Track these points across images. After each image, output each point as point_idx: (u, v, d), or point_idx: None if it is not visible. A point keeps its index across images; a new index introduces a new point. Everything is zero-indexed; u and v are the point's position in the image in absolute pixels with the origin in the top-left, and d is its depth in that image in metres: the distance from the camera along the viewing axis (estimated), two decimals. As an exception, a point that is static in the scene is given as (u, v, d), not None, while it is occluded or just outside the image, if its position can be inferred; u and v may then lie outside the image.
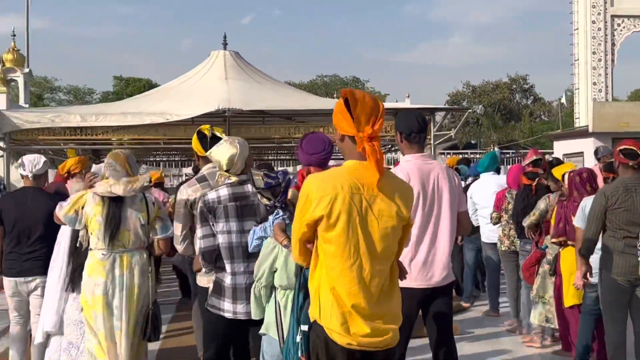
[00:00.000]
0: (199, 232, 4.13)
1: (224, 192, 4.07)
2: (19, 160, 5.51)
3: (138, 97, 14.01)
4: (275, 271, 3.64)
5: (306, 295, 3.07)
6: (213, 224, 4.04)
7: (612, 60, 24.15)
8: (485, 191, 8.20)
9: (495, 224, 7.74)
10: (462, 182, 6.58)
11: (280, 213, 3.67)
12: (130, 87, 52.66)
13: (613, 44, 23.96)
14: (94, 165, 5.91)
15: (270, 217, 3.71)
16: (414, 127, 4.22)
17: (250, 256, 3.93)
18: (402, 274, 3.05)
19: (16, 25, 28.79)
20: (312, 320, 2.84)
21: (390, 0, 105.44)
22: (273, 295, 3.70)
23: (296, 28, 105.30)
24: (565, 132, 23.07)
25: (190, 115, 10.37)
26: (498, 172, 8.60)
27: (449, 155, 24.98)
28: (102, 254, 4.58)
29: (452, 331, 4.44)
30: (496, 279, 8.36)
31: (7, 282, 5.40)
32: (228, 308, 4.06)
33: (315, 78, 60.70)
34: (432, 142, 10.59)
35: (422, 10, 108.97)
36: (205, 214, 4.05)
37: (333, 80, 58.96)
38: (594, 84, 24.00)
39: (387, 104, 11.76)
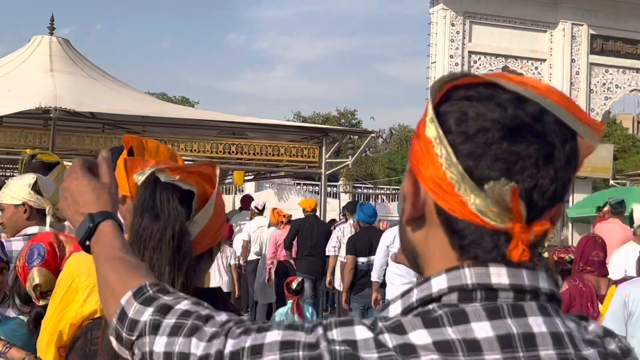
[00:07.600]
0: None
1: None
2: None
3: None
4: None
5: None
6: None
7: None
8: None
9: None
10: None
11: None
12: None
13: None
14: None
15: None
16: None
17: None
18: None
19: None
20: None
21: (214, 29, 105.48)
22: None
23: (120, 44, 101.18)
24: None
25: (-2, 113, 7.52)
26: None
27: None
28: None
29: None
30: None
31: None
32: None
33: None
34: (323, 170, 8.50)
35: (246, 40, 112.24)
36: None
37: (161, 99, 55.65)
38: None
39: (275, 121, 9.61)
